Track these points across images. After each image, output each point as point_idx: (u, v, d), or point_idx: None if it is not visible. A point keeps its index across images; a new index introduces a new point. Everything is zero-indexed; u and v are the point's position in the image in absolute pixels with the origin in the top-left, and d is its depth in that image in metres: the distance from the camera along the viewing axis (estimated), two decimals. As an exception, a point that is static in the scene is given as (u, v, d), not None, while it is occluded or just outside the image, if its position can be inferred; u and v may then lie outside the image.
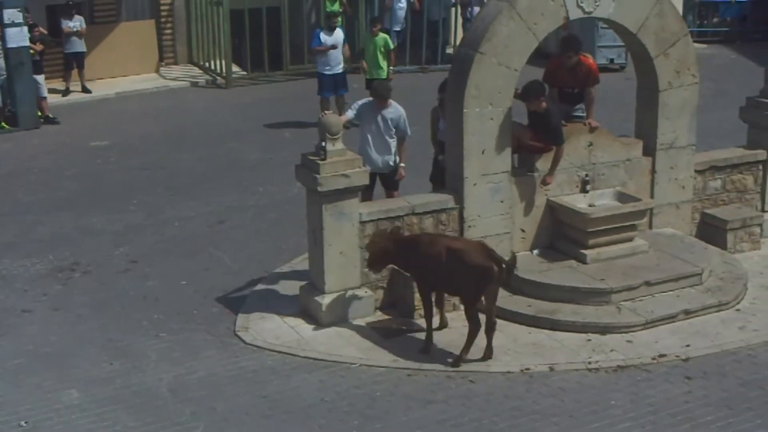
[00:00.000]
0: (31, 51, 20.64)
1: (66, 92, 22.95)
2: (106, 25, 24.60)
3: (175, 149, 18.79)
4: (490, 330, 10.43)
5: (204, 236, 14.28)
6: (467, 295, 10.34)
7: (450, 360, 10.46)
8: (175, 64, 25.73)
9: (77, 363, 10.63)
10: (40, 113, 20.97)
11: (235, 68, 24.19)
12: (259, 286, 12.26)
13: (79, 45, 22.90)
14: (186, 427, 9.37)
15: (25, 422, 9.50)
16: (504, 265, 10.22)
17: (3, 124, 20.69)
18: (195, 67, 25.49)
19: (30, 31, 20.75)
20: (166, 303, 12.07)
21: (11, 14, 20.20)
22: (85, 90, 23.17)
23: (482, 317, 10.36)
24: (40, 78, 21.04)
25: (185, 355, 10.74)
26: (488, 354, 10.48)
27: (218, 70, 24.41)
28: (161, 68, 25.13)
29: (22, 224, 14.91)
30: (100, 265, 13.30)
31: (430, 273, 10.52)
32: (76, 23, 22.79)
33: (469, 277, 10.18)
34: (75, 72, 23.11)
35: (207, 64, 25.06)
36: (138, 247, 13.89)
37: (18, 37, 20.33)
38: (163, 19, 25.36)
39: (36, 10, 22.33)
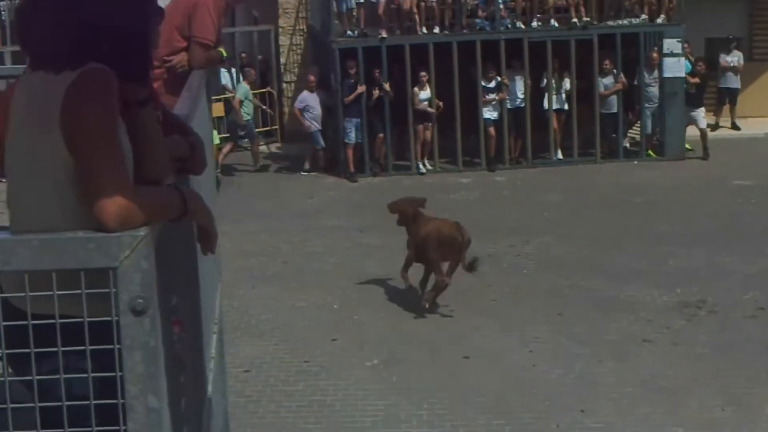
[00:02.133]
0: (686, 84, 20.79)
1: (715, 127, 22.85)
2: (765, 63, 24.13)
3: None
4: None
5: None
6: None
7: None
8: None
9: (688, 402, 10.49)
10: (688, 146, 21.06)
11: None
12: None
13: (734, 81, 22.73)
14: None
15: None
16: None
17: (649, 152, 21.08)
18: None
19: (691, 64, 20.96)
20: (791, 357, 11.56)
21: (671, 44, 20.53)
22: (734, 126, 22.96)
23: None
24: (699, 111, 21.03)
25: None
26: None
27: None
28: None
29: (654, 254, 15.03)
30: (727, 307, 13.00)
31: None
32: (734, 58, 22.64)
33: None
34: (727, 107, 22.96)
35: None
36: (768, 293, 13.45)
37: (675, 68, 20.63)
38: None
39: (696, 42, 22.44)
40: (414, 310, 13.08)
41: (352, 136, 20.33)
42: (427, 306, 12.74)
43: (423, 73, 20.36)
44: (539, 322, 12.68)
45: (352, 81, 20.34)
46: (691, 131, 21.72)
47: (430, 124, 20.68)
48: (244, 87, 21.58)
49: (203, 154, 3.48)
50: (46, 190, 2.74)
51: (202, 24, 5.69)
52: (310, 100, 20.94)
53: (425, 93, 20.54)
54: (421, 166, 20.75)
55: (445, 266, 12.68)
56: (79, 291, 2.37)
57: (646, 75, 20.92)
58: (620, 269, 14.42)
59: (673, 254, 15.03)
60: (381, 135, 20.68)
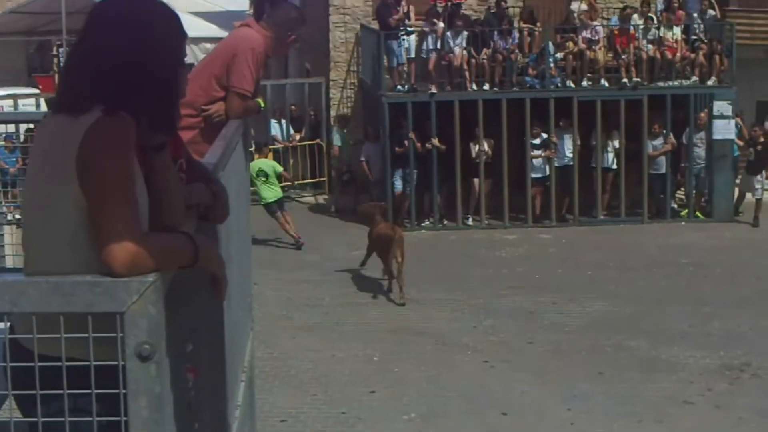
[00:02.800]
0: (739, 151, 20.66)
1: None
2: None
3: None
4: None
5: None
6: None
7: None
8: None
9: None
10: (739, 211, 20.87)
11: None
12: None
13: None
14: None
15: None
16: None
17: (697, 213, 20.92)
18: None
19: (737, 126, 20.84)
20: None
21: (720, 106, 20.43)
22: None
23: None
24: (757, 179, 20.81)
25: None
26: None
27: None
28: None
29: (698, 315, 14.90)
30: (770, 371, 12.89)
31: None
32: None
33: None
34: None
35: None
36: (812, 358, 13.25)
37: (724, 130, 20.51)
38: None
39: (747, 105, 22.28)
40: (454, 364, 13.04)
41: (398, 185, 20.55)
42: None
43: (478, 129, 20.43)
44: (579, 380, 12.59)
45: (403, 131, 20.49)
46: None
47: (480, 179, 20.71)
48: (339, 133, 22.44)
49: (226, 202, 3.51)
50: (58, 232, 2.77)
51: (241, 74, 5.74)
52: (371, 151, 21.30)
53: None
54: (470, 219, 20.82)
55: (392, 261, 15.53)
56: (86, 335, 2.40)
57: (693, 136, 20.82)
58: (663, 330, 14.30)
59: (717, 316, 14.88)
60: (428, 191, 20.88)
